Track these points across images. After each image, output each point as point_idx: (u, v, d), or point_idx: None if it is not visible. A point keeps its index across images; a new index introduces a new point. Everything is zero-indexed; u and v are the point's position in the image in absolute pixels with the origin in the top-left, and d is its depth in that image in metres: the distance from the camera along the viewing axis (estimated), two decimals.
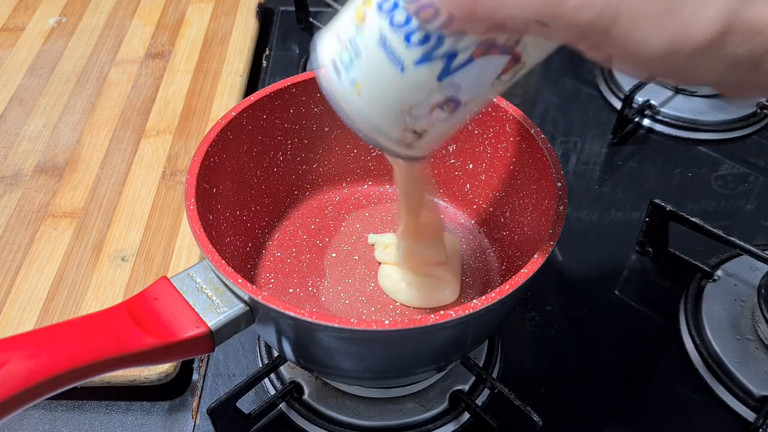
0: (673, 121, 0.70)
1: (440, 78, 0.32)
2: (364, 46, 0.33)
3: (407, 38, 0.32)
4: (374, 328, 0.36)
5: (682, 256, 0.57)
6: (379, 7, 0.32)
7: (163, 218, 0.60)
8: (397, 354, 0.41)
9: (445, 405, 0.48)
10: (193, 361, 0.52)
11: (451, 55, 0.32)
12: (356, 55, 0.33)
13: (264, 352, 0.51)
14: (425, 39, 0.31)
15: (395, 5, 0.32)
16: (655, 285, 0.57)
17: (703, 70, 0.28)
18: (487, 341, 0.51)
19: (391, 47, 0.32)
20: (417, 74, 0.32)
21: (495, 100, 0.49)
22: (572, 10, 0.27)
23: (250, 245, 0.52)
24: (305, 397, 0.49)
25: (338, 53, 0.34)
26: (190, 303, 0.38)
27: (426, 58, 0.32)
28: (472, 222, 0.55)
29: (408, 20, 0.31)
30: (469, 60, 0.32)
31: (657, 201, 0.56)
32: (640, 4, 0.27)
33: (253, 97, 0.49)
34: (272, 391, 0.49)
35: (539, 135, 0.46)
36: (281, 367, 0.50)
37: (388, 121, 0.35)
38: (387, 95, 0.34)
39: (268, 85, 0.51)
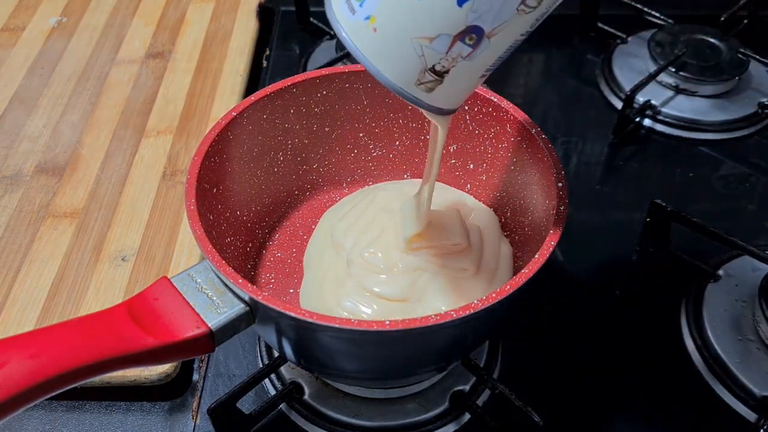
0: (674, 121, 0.70)
1: (460, 1, 0.31)
2: None
3: None
4: (374, 328, 0.36)
5: (684, 256, 0.57)
6: None
7: (164, 218, 0.60)
8: (397, 354, 0.41)
9: (445, 405, 0.48)
10: (193, 361, 0.52)
11: None
12: None
13: (264, 353, 0.51)
14: None
15: None
16: (656, 285, 0.56)
17: None
18: (488, 341, 0.51)
19: None
20: None
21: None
22: None
23: (250, 245, 0.52)
24: (305, 397, 0.48)
25: None
26: (191, 303, 0.38)
27: None
28: None
29: None
30: None
31: (658, 201, 0.56)
32: None
33: (253, 97, 0.49)
34: (272, 392, 0.49)
35: (540, 135, 0.46)
36: (281, 368, 0.50)
37: (405, 58, 0.33)
38: (403, 26, 0.32)
39: (268, 85, 0.51)
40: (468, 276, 0.46)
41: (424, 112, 0.37)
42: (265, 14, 0.84)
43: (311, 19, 0.81)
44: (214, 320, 0.38)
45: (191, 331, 0.37)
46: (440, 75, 0.33)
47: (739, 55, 0.72)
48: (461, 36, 0.32)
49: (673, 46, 0.73)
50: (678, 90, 0.71)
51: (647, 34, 0.76)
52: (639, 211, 0.59)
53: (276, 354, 0.50)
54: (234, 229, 0.49)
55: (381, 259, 0.46)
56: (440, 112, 0.36)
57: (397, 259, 0.47)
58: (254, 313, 0.39)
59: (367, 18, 0.32)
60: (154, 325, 0.37)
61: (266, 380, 0.50)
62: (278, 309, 0.36)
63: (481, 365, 0.50)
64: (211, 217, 0.45)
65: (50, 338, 0.34)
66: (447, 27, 0.32)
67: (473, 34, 0.32)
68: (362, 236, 0.48)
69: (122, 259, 0.57)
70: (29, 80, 0.74)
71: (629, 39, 0.78)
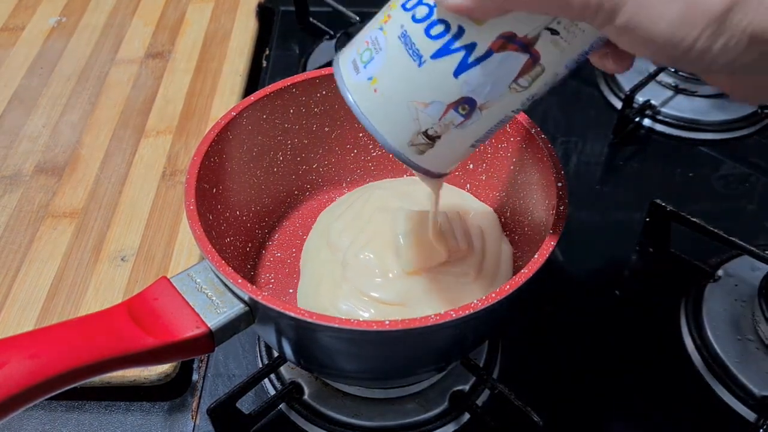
0: (673, 121, 0.70)
1: (456, 73, 0.33)
2: (385, 42, 0.34)
3: (427, 30, 0.32)
4: (374, 328, 0.36)
5: (683, 256, 0.57)
6: (404, 6, 0.33)
7: (163, 218, 0.60)
8: (397, 354, 0.41)
9: (445, 405, 0.48)
10: (193, 361, 0.52)
11: (468, 48, 0.32)
12: (377, 52, 0.34)
13: (264, 353, 0.51)
14: (445, 31, 0.32)
15: (419, 2, 0.33)
16: (655, 285, 0.57)
17: (717, 49, 0.26)
18: (487, 341, 0.51)
19: (411, 40, 0.33)
20: (434, 68, 0.33)
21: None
22: None
23: (250, 245, 0.52)
24: (305, 397, 0.48)
25: (360, 53, 0.35)
26: (190, 303, 0.38)
27: (444, 51, 0.32)
28: None
29: (430, 14, 0.32)
30: (487, 54, 0.32)
31: (658, 201, 0.56)
32: None
33: (253, 97, 0.49)
34: (272, 392, 0.49)
35: (540, 135, 0.46)
36: (281, 368, 0.50)
37: (401, 119, 0.35)
38: (402, 90, 0.34)
39: (268, 85, 0.51)
40: (469, 281, 0.46)
41: (416, 174, 0.39)
42: (264, 14, 0.84)
43: (311, 19, 0.81)
44: (213, 320, 0.38)
45: (191, 331, 0.37)
46: (432, 139, 0.35)
47: None
48: (455, 105, 0.34)
49: None
50: (677, 90, 0.71)
51: None
52: (639, 211, 0.59)
53: (276, 354, 0.50)
54: (234, 229, 0.49)
55: (376, 263, 0.46)
56: (430, 174, 0.38)
57: (393, 263, 0.46)
58: (254, 313, 0.39)
59: (370, 79, 0.34)
60: (153, 325, 0.37)
61: (266, 380, 0.50)
62: (278, 309, 0.36)
63: (481, 365, 0.50)
64: (211, 217, 0.45)
65: (50, 338, 0.34)
66: (442, 95, 0.34)
67: (466, 104, 0.34)
68: (358, 236, 0.48)
69: (122, 259, 0.57)
70: (29, 80, 0.74)
71: None
